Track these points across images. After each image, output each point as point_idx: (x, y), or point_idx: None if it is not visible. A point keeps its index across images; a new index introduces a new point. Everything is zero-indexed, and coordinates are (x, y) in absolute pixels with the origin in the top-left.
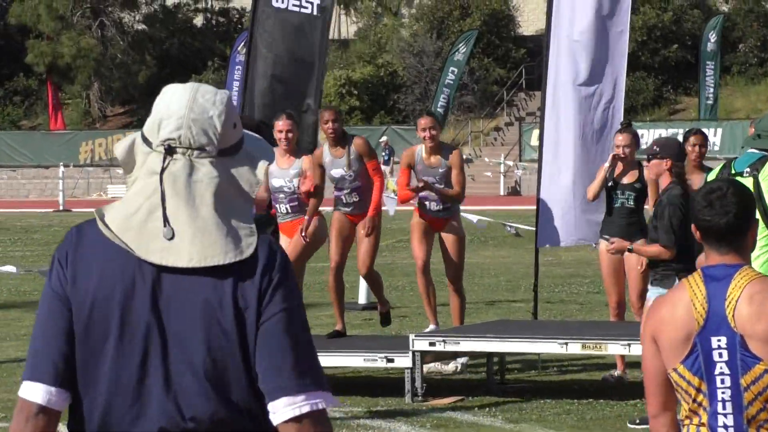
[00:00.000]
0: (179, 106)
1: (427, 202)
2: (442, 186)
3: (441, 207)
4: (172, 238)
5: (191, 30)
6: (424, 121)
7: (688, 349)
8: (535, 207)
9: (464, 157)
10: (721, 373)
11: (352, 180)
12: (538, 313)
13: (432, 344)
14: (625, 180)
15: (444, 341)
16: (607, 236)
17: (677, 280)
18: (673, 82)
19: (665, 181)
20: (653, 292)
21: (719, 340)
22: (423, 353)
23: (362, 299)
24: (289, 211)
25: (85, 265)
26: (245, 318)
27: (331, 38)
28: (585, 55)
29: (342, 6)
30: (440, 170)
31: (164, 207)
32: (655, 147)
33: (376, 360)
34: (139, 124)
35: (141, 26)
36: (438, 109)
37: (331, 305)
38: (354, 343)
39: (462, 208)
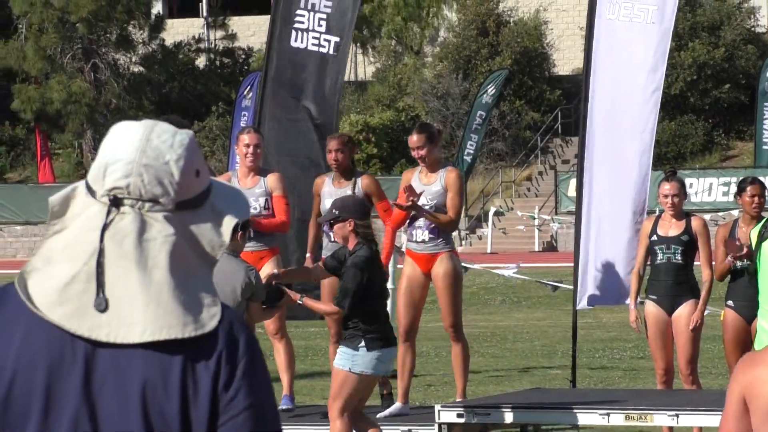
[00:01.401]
0: (129, 148)
1: (414, 231)
2: (433, 209)
3: (428, 237)
4: (104, 309)
5: (193, 72)
6: (412, 140)
7: None
8: (572, 264)
9: (494, 209)
10: None
11: None
12: (577, 380)
13: (460, 416)
14: (671, 233)
15: (473, 412)
16: (654, 297)
17: (362, 342)
18: (726, 125)
19: (352, 242)
20: (364, 356)
21: None
22: (450, 425)
23: None
24: (253, 236)
25: (5, 330)
26: (191, 409)
27: (347, 80)
28: (626, 97)
29: (358, 45)
30: (433, 189)
31: (99, 270)
32: (334, 210)
33: None
34: None
35: (138, 68)
36: (465, 157)
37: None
38: (373, 414)
39: (494, 264)
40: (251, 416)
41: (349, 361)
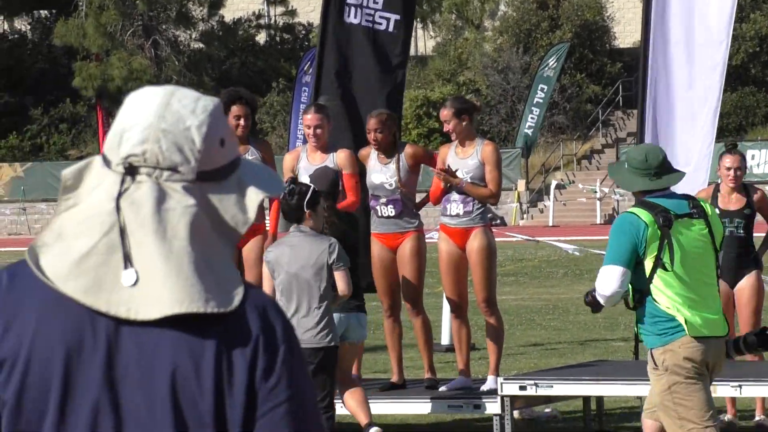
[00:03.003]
0: (147, 113)
1: (448, 204)
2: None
3: (463, 211)
4: (135, 283)
5: (253, 48)
6: (441, 114)
7: None
8: None
9: (555, 183)
10: None
11: (392, 189)
12: (640, 352)
13: (523, 388)
14: (732, 206)
15: (536, 384)
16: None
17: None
18: None
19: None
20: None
21: None
22: (513, 398)
23: (445, 340)
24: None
25: (17, 316)
26: (226, 400)
27: None
28: (685, 68)
29: (419, 20)
30: (469, 163)
31: (124, 242)
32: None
33: (462, 407)
34: None
35: (198, 45)
36: (526, 131)
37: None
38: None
39: (554, 237)
40: (293, 407)
41: None
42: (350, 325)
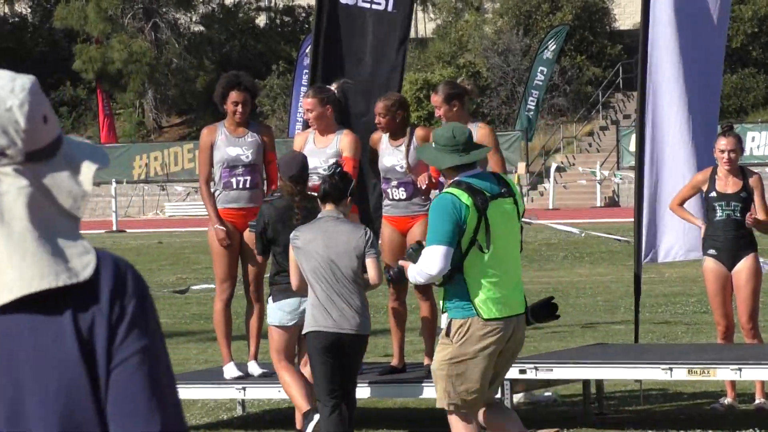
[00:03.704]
0: None
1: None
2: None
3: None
4: None
5: (253, 31)
6: (432, 99)
7: None
8: (633, 219)
9: (556, 165)
10: None
11: (404, 172)
12: (640, 335)
13: (522, 371)
14: (730, 189)
15: (536, 368)
16: (713, 252)
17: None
18: None
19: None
20: (271, 308)
21: None
22: (513, 381)
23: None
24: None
25: None
26: (96, 358)
27: None
28: (684, 49)
29: (419, 2)
30: None
31: None
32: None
33: None
34: (197, 135)
35: (198, 27)
36: (526, 113)
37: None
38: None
39: (554, 221)
40: (144, 359)
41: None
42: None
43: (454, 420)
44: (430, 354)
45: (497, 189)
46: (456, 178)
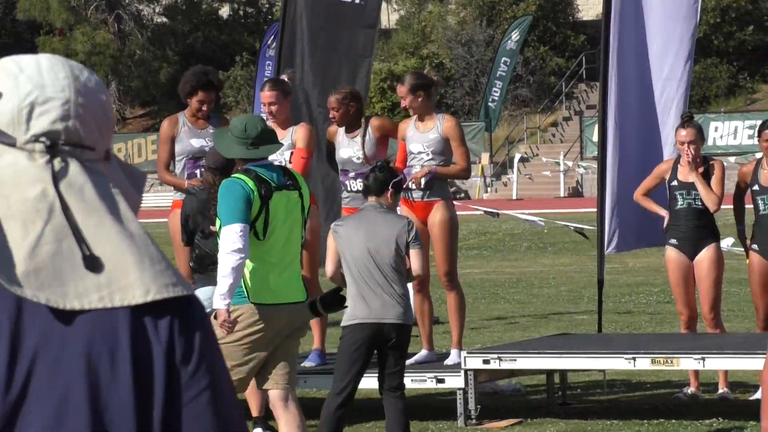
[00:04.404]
0: (59, 84)
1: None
2: (430, 156)
3: (423, 184)
4: (97, 268)
5: (217, 22)
6: (398, 90)
7: None
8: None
9: (519, 156)
10: None
11: (361, 162)
12: (603, 325)
13: (486, 362)
14: (691, 178)
15: (499, 358)
16: (674, 241)
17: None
18: (750, 68)
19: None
20: (200, 293)
21: None
22: (476, 372)
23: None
24: None
25: None
26: (144, 385)
27: None
28: (650, 39)
29: None
30: (430, 137)
31: (73, 224)
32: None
33: (425, 380)
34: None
35: (161, 19)
36: (490, 104)
37: None
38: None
39: (519, 211)
40: (214, 393)
41: None
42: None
43: None
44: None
45: (283, 181)
46: (245, 167)
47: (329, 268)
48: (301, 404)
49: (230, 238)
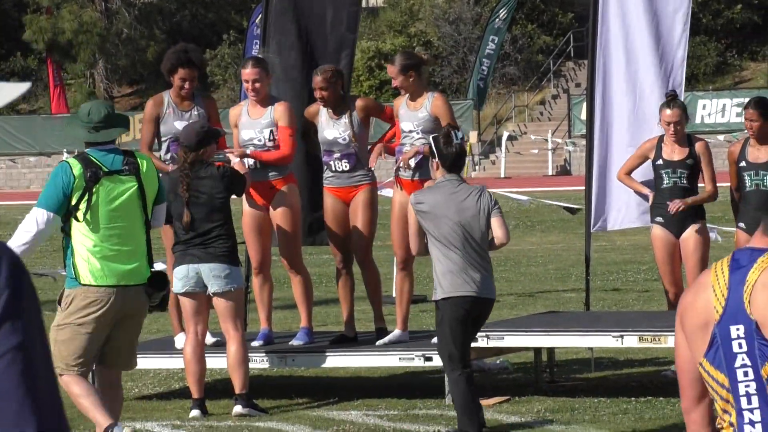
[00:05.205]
0: None
1: (401, 157)
2: (419, 134)
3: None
4: None
5: (204, 0)
6: (389, 70)
7: (708, 340)
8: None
9: (507, 134)
10: (743, 365)
11: (346, 144)
12: (591, 303)
13: (474, 340)
14: (676, 157)
15: (487, 336)
16: (660, 219)
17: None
18: (738, 46)
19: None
20: (176, 272)
21: (738, 329)
22: None
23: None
24: (259, 167)
25: None
26: None
27: None
28: (638, 17)
29: None
30: (420, 115)
31: None
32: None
33: (413, 359)
34: None
35: None
36: (478, 82)
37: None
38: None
39: (507, 189)
40: (17, 357)
41: None
42: (212, 277)
43: (65, 381)
44: (380, 318)
45: (119, 166)
46: (86, 150)
47: (414, 243)
48: (288, 383)
49: (30, 220)
